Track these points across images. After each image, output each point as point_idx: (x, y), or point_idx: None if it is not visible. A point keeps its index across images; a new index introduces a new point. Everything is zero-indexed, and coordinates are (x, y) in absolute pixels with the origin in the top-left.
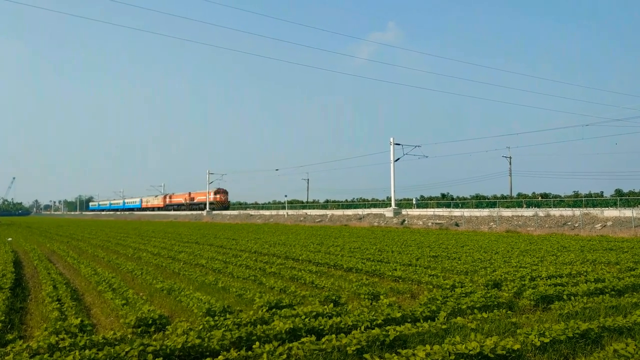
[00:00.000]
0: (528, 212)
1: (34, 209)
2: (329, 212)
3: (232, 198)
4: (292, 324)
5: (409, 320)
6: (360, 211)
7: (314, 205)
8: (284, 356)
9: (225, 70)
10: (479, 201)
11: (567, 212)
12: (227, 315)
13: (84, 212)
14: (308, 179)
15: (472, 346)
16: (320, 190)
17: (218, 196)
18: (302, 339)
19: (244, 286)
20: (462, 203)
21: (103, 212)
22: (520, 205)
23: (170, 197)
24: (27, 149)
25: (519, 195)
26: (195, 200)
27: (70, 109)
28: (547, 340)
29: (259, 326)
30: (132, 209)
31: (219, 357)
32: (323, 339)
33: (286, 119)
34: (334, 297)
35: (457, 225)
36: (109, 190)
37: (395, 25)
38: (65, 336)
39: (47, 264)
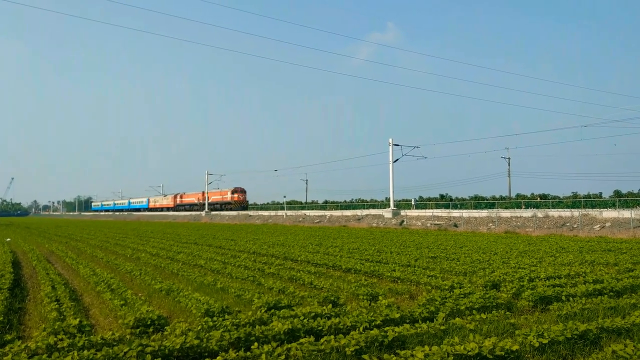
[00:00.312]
0: (527, 213)
1: (33, 210)
2: (327, 212)
3: None
4: (291, 324)
5: (407, 321)
6: (359, 212)
7: (312, 206)
8: (283, 357)
9: (225, 71)
10: (478, 202)
11: (565, 213)
12: (226, 316)
13: (83, 213)
14: (307, 180)
15: (470, 347)
16: (319, 191)
17: (236, 195)
18: (301, 340)
19: (243, 287)
20: (460, 204)
21: (107, 213)
22: (519, 206)
23: (181, 197)
24: (26, 150)
25: (518, 196)
26: (210, 200)
27: (70, 110)
28: (545, 341)
29: (257, 327)
30: (138, 209)
31: (218, 357)
32: (322, 340)
33: (285, 120)
34: (332, 298)
35: (455, 226)
36: (107, 190)
37: (394, 25)
38: (63, 337)
39: (45, 264)
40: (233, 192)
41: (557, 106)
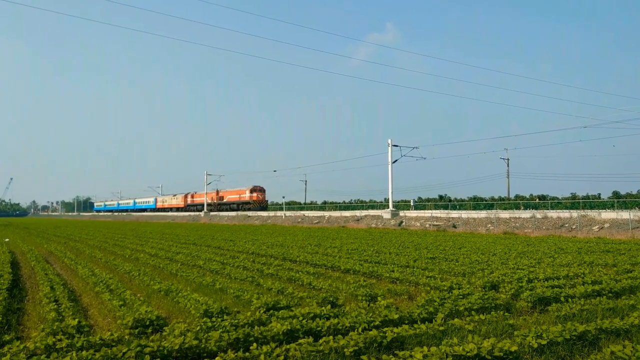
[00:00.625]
0: (525, 214)
1: (32, 210)
2: (326, 213)
3: None
4: (290, 325)
5: (406, 321)
6: (358, 212)
7: (311, 206)
8: (282, 357)
9: (224, 71)
10: (477, 203)
11: (564, 214)
12: (225, 317)
13: (82, 213)
14: (306, 180)
15: (469, 348)
16: (318, 192)
17: (255, 195)
18: (300, 340)
19: (242, 287)
20: (459, 205)
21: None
22: (517, 207)
23: (192, 197)
24: (25, 150)
25: (517, 197)
26: (225, 200)
27: (69, 110)
28: (544, 342)
29: (256, 327)
30: (144, 210)
31: (216, 358)
32: (320, 341)
33: (284, 120)
34: (331, 299)
35: (454, 226)
36: (106, 191)
37: (393, 26)
38: (62, 337)
39: (44, 264)
40: (252, 191)
41: (556, 107)
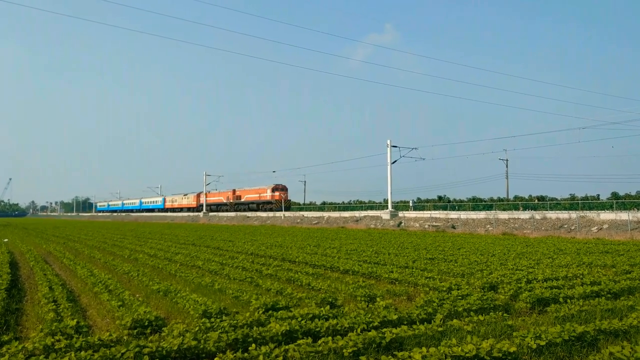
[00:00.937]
0: (524, 215)
1: (31, 210)
2: (325, 214)
3: None
4: (289, 326)
5: (405, 322)
6: (357, 213)
7: (310, 207)
8: (280, 358)
9: (223, 72)
10: (476, 203)
11: (563, 214)
12: (224, 317)
13: (81, 214)
14: (305, 181)
15: (468, 349)
16: (317, 192)
17: (277, 194)
18: (299, 341)
19: (241, 288)
20: (458, 205)
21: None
22: (516, 208)
23: (205, 196)
24: (24, 150)
25: (516, 197)
26: (242, 200)
27: (67, 110)
28: (543, 343)
29: (255, 328)
30: (151, 210)
31: (215, 359)
32: (319, 341)
33: (283, 121)
34: (330, 299)
35: (453, 227)
36: (105, 191)
37: (392, 27)
38: (61, 337)
39: (43, 265)
40: (274, 190)
41: (555, 108)
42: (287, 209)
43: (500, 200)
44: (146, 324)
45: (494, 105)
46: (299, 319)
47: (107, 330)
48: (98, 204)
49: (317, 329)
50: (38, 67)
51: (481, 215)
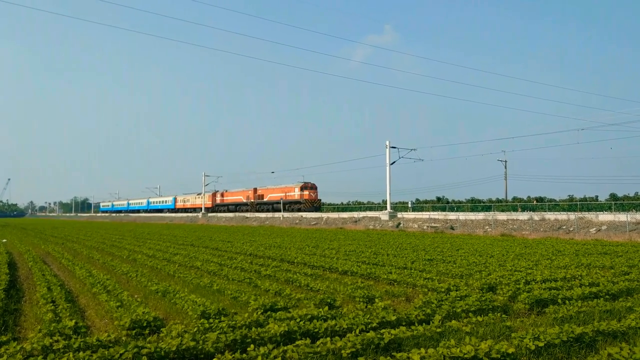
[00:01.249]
0: (523, 216)
1: (29, 210)
2: (324, 214)
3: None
4: (287, 326)
5: (403, 323)
6: (355, 214)
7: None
8: (279, 359)
9: (222, 72)
10: (475, 205)
11: (562, 216)
12: (222, 318)
13: (79, 214)
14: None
15: (466, 350)
16: None
17: (306, 192)
18: (297, 342)
19: (239, 289)
20: (457, 206)
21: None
22: (515, 209)
23: (222, 195)
24: (23, 150)
25: (514, 199)
26: (265, 199)
27: (66, 110)
28: (541, 344)
29: (253, 329)
30: (160, 210)
31: (214, 359)
32: (318, 342)
33: (282, 121)
34: (329, 300)
35: (452, 228)
36: (104, 191)
37: (391, 28)
38: (59, 338)
39: (41, 265)
40: (302, 189)
41: (554, 109)
42: (318, 209)
43: (499, 201)
44: (145, 324)
45: (493, 106)
46: (298, 319)
47: (106, 331)
48: (101, 204)
49: (316, 330)
50: (38, 67)
51: (480, 216)
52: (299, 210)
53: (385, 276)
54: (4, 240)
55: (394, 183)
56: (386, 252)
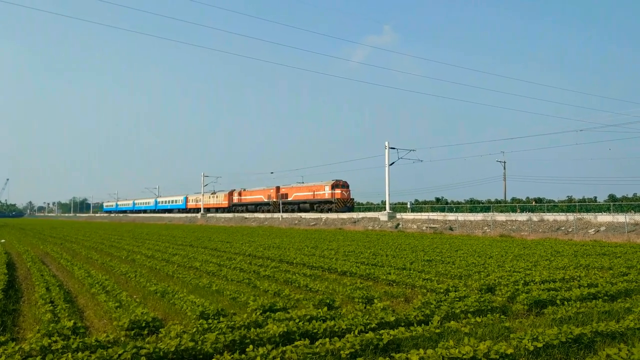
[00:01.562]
0: (522, 217)
1: (28, 211)
2: (323, 215)
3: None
4: (286, 327)
5: (402, 324)
6: (354, 215)
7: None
8: (278, 359)
9: (221, 72)
10: (473, 205)
11: (560, 217)
12: (221, 318)
13: (78, 214)
14: (303, 182)
15: (465, 350)
16: None
17: (338, 191)
18: (296, 343)
19: (238, 289)
20: (456, 207)
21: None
22: (514, 210)
23: (240, 194)
24: (21, 151)
25: (513, 199)
26: (290, 198)
27: (65, 110)
28: (540, 345)
29: (252, 329)
30: (170, 210)
31: None
32: (317, 343)
33: (281, 122)
34: (328, 301)
35: (451, 229)
36: (103, 192)
37: (390, 28)
38: (57, 338)
39: (40, 265)
40: (334, 187)
41: (553, 110)
42: (351, 209)
43: (497, 202)
44: (143, 325)
45: (492, 107)
46: (297, 320)
47: (104, 331)
48: (104, 204)
49: (315, 331)
50: (37, 67)
51: (479, 217)
52: (330, 210)
53: (384, 277)
54: (3, 241)
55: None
56: (385, 253)
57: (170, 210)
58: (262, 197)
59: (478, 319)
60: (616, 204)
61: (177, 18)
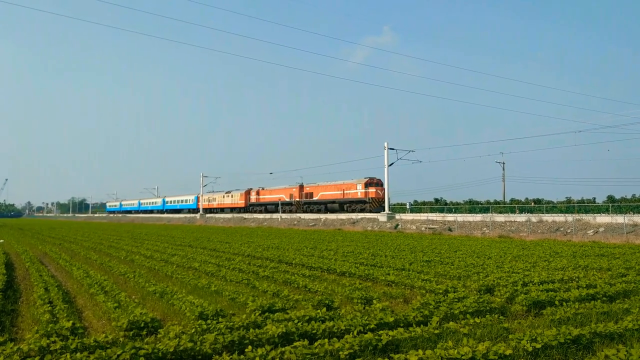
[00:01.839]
0: (521, 218)
1: (26, 211)
2: (322, 216)
3: None
4: (285, 328)
5: (401, 324)
6: (354, 215)
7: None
8: None
9: (221, 73)
10: (472, 206)
11: (559, 217)
12: (220, 319)
13: (77, 215)
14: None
15: (464, 351)
16: None
17: (372, 190)
18: (295, 343)
19: (237, 290)
20: (455, 208)
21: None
22: (513, 211)
23: (257, 193)
24: (20, 151)
25: (512, 200)
26: (316, 198)
27: (64, 111)
28: (538, 346)
29: (251, 330)
30: (178, 211)
31: None
32: (316, 344)
33: (280, 122)
34: (327, 302)
35: (450, 230)
36: (101, 192)
37: (390, 29)
38: (56, 339)
39: (39, 266)
40: (367, 186)
41: (552, 111)
42: (384, 208)
43: (496, 203)
44: (142, 325)
45: (491, 108)
46: (296, 321)
47: (103, 332)
48: (107, 204)
49: (314, 331)
50: (37, 67)
51: (478, 217)
52: (362, 211)
53: (383, 277)
54: (1, 241)
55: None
56: (384, 254)
57: (179, 211)
58: (283, 197)
59: (477, 320)
60: (615, 205)
61: (177, 18)
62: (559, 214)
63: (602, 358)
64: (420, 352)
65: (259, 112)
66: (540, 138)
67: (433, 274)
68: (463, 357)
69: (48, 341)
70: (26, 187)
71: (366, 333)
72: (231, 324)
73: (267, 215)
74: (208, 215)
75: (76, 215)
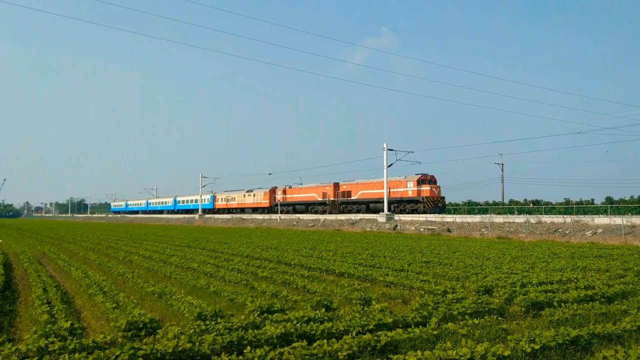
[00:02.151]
0: (519, 219)
1: (25, 211)
2: (321, 216)
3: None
4: (284, 328)
5: (400, 325)
6: (353, 216)
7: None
8: None
9: (220, 73)
10: (471, 207)
11: (558, 219)
12: (219, 320)
13: (75, 215)
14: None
15: (463, 352)
16: None
17: (426, 188)
18: (294, 344)
19: (236, 290)
20: (454, 209)
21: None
22: (512, 212)
23: (284, 192)
24: (19, 151)
25: (511, 201)
26: (354, 197)
27: (62, 111)
28: (537, 347)
29: (250, 331)
30: (191, 211)
31: None
32: (314, 344)
33: (279, 123)
34: (325, 302)
35: (449, 231)
36: (100, 192)
37: (389, 30)
38: (54, 339)
39: (37, 266)
40: (420, 183)
41: (551, 113)
42: (442, 210)
43: (495, 204)
44: (141, 326)
45: (490, 110)
46: (294, 321)
47: (102, 332)
48: (112, 204)
49: (313, 332)
50: (36, 67)
51: (476, 218)
52: (414, 211)
53: (382, 278)
54: (0, 241)
55: None
56: (383, 255)
57: (192, 211)
58: (315, 196)
59: (475, 321)
60: (613, 207)
61: (178, 19)
62: (558, 215)
63: (600, 359)
64: (419, 352)
65: (259, 112)
66: (540, 139)
67: (432, 274)
68: (462, 358)
69: (46, 342)
70: (25, 187)
71: (365, 334)
72: (230, 324)
73: (266, 216)
74: (207, 215)
75: (75, 215)
